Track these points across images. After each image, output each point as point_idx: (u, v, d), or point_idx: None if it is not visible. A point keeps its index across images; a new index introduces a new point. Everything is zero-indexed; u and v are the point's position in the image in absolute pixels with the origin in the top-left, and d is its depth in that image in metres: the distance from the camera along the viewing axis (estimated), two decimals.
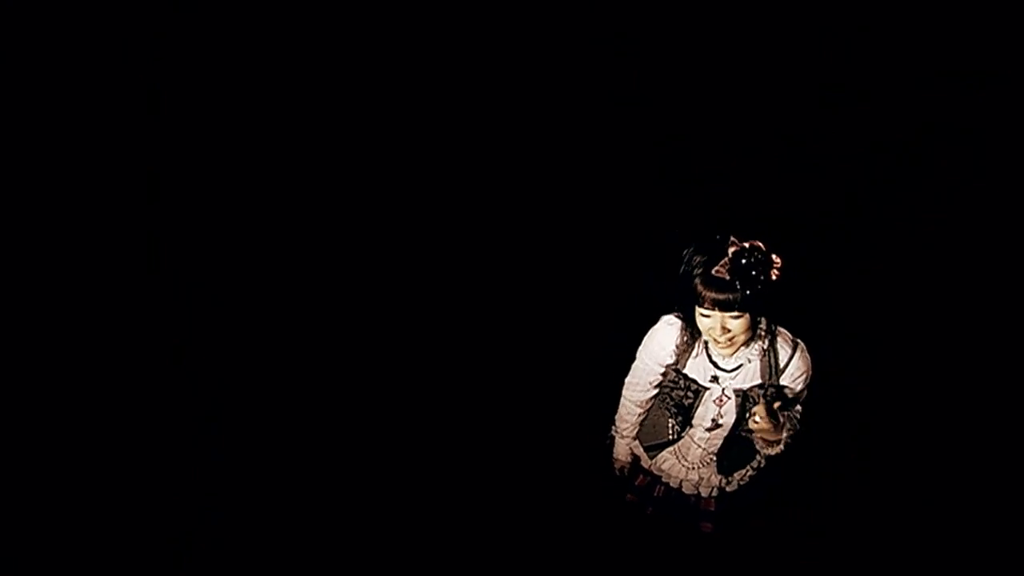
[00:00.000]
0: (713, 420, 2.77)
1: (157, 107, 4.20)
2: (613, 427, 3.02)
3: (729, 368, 2.67)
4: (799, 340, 2.68)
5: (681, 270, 2.49)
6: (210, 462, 3.48)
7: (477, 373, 3.69)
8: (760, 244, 2.42)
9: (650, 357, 2.74)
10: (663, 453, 2.94)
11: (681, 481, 3.01)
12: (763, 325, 2.60)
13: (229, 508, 3.40)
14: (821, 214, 4.11)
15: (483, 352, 3.74)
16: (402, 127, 4.28)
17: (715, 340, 2.55)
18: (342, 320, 3.81)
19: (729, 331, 2.50)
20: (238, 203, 4.04)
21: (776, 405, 2.64)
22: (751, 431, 2.73)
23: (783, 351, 2.65)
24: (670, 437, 2.87)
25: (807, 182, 4.20)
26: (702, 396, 2.73)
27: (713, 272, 2.42)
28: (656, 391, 2.82)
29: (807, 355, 2.68)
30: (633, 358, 2.80)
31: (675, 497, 3.07)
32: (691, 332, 2.63)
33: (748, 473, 2.97)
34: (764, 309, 2.52)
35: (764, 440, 2.75)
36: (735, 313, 2.46)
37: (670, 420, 2.82)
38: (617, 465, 3.09)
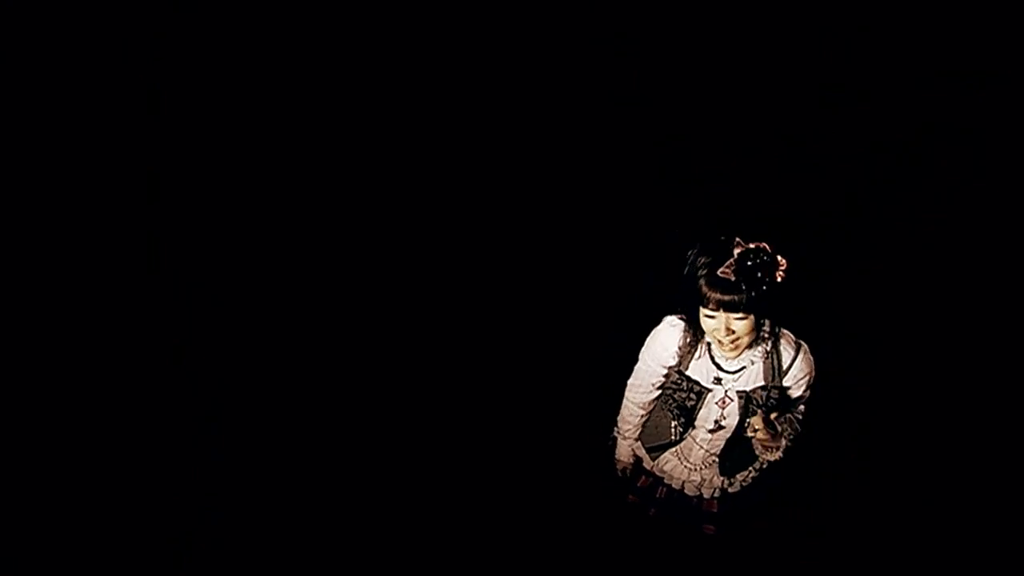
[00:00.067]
0: (716, 422, 2.77)
1: (157, 107, 4.19)
2: (615, 428, 3.02)
3: (732, 370, 2.67)
4: (802, 342, 2.68)
5: (685, 271, 2.48)
6: (210, 462, 3.48)
7: (479, 374, 3.68)
8: (766, 245, 2.41)
9: (652, 358, 2.74)
10: (665, 454, 2.93)
11: (683, 482, 3.01)
12: (767, 327, 2.60)
13: (229, 508, 3.40)
14: (821, 214, 4.11)
15: (485, 353, 3.73)
16: (402, 127, 4.26)
17: (719, 341, 2.54)
18: (342, 320, 3.80)
19: (733, 332, 2.49)
20: (238, 203, 4.03)
21: (773, 416, 2.64)
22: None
23: (786, 353, 2.65)
24: (672, 438, 2.86)
25: (807, 182, 4.19)
26: (705, 398, 2.72)
27: (718, 273, 2.41)
28: (659, 392, 2.82)
29: (810, 357, 2.68)
30: (635, 359, 2.80)
31: (677, 498, 3.07)
32: (694, 333, 2.63)
33: (750, 474, 2.97)
34: (768, 310, 2.52)
35: (763, 446, 2.75)
36: (740, 314, 2.45)
37: (672, 421, 2.82)
38: (619, 466, 3.09)
